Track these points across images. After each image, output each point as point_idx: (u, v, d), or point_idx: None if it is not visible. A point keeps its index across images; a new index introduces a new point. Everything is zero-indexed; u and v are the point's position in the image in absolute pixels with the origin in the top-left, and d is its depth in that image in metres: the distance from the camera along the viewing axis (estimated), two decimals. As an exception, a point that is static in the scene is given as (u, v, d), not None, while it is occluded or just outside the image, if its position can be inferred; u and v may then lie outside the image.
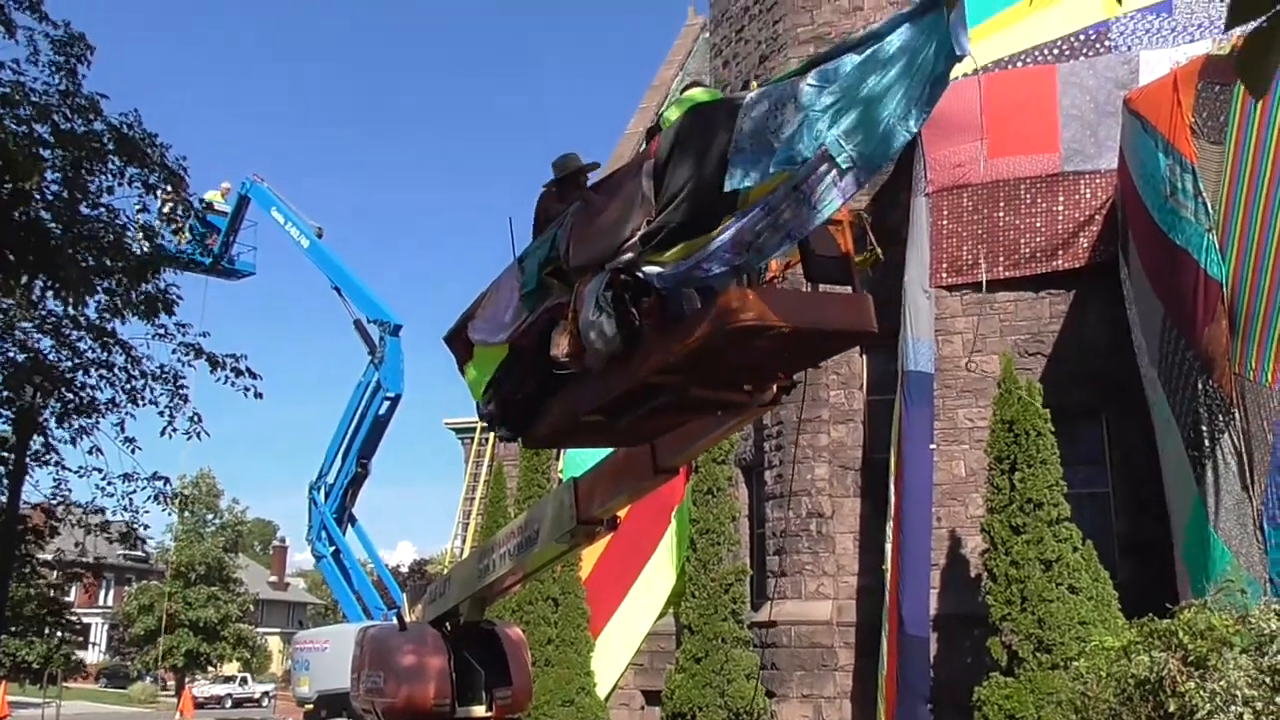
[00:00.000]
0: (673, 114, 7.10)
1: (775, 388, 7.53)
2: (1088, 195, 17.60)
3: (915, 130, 5.28)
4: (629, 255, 6.42)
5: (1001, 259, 18.19)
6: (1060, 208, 17.77)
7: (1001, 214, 18.08)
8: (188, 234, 25.26)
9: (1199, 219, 14.14)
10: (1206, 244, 14.05)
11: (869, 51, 5.26)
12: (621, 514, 10.90)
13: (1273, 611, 10.23)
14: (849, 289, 6.81)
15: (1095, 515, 17.28)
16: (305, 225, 26.66)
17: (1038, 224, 17.91)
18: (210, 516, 62.77)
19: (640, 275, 6.38)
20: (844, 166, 5.33)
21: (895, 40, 5.17)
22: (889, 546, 17.11)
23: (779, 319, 6.15)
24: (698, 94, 7.39)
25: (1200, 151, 14.14)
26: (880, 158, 5.44)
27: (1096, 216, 17.49)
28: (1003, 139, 17.96)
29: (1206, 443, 14.15)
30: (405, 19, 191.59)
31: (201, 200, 28.16)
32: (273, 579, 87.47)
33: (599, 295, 6.63)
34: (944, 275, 18.44)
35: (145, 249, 12.76)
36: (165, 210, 15.08)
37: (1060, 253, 17.80)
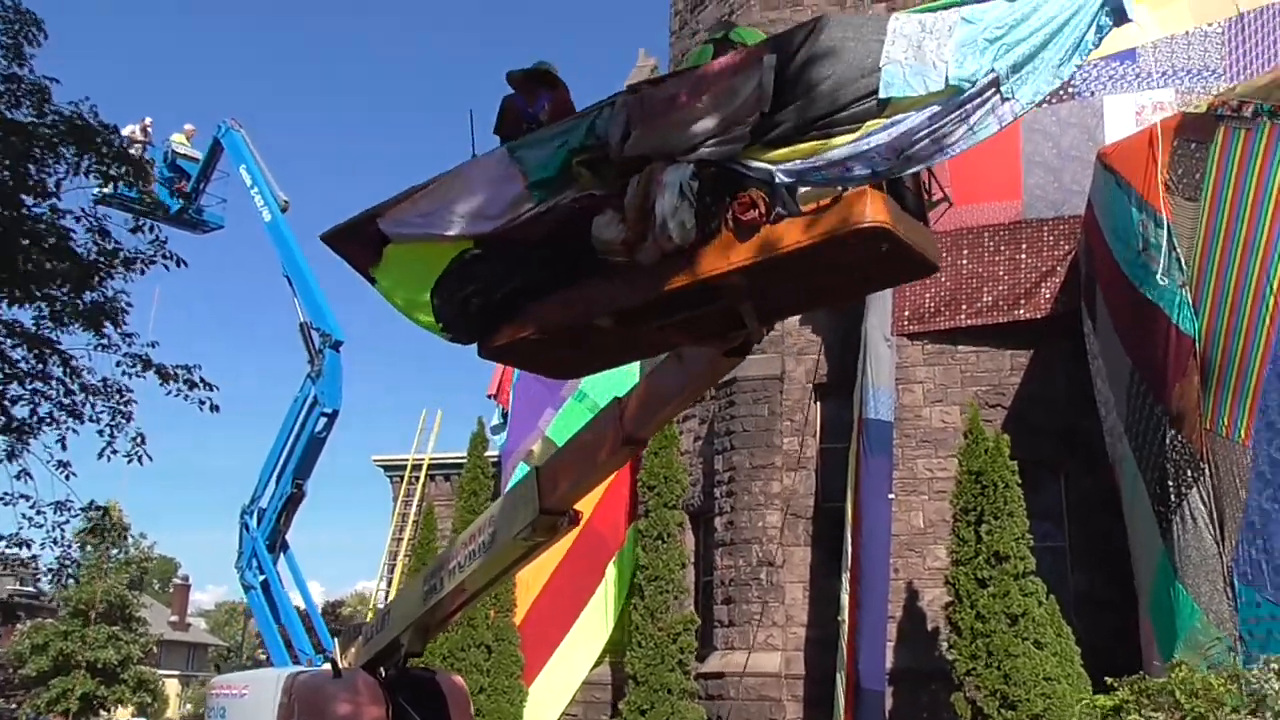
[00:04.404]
0: (749, 37, 7.34)
1: (764, 329, 7.86)
2: (1050, 242, 17.57)
3: (1065, 78, 5.90)
4: (726, 147, 6.40)
5: (964, 307, 18.06)
6: (1023, 256, 17.72)
7: (965, 262, 17.97)
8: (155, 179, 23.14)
9: (1172, 274, 14.06)
10: (1180, 299, 13.97)
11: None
12: (582, 508, 10.35)
13: (1271, 671, 10.00)
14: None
15: (1052, 569, 17.08)
16: (272, 196, 24.11)
17: (1000, 272, 17.83)
18: (115, 551, 60.28)
19: (741, 168, 6.40)
20: (1005, 96, 5.76)
21: None
22: (846, 598, 16.71)
23: (901, 229, 6.39)
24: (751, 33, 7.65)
25: (1175, 207, 14.09)
26: (1036, 94, 5.84)
27: (1059, 267, 17.46)
28: (966, 186, 17.84)
29: (1174, 498, 14.01)
30: (354, 65, 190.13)
31: (167, 153, 26.32)
32: (173, 618, 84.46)
33: (684, 184, 6.52)
34: (906, 323, 18.25)
35: (94, 253, 11.79)
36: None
37: (1023, 302, 17.72)
